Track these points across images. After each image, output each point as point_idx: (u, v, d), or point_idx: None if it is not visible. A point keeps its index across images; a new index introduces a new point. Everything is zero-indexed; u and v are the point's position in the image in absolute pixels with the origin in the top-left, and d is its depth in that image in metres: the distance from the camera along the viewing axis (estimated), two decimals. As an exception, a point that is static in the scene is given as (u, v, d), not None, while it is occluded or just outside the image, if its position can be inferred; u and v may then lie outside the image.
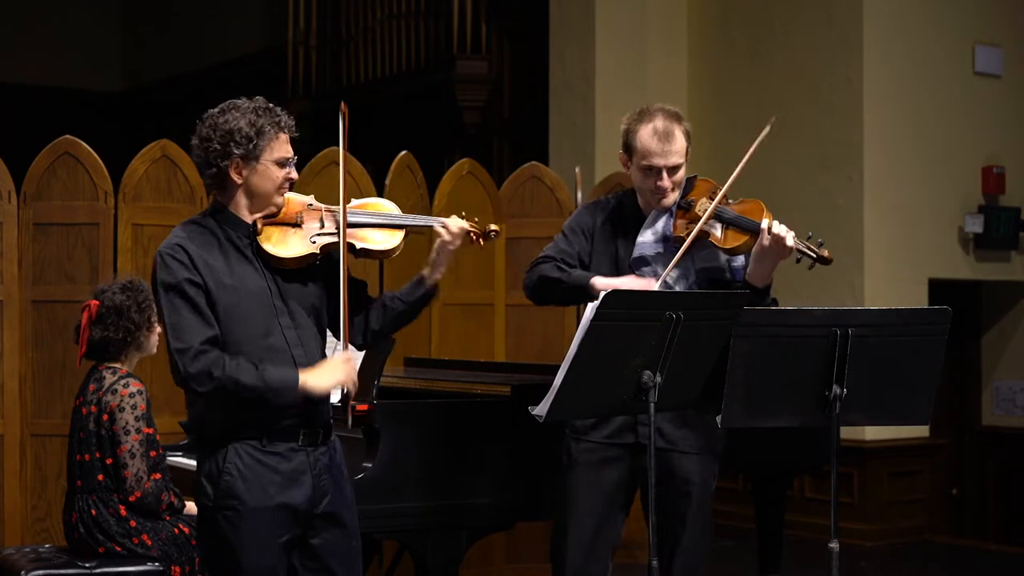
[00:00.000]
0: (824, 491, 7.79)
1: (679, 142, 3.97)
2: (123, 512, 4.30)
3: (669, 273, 3.85)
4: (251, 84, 12.45)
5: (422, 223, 3.63)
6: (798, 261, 3.92)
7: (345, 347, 3.40)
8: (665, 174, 3.95)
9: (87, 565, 4.28)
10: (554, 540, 4.05)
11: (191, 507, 4.44)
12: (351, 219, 3.48)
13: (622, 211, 4.09)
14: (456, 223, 3.59)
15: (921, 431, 8.01)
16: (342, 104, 3.58)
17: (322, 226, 3.46)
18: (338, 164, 3.55)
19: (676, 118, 4.01)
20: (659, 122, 3.96)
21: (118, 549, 4.28)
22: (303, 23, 11.44)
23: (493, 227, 3.67)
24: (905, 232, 8.05)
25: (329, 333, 3.57)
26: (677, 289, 3.89)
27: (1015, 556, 7.81)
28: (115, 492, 4.31)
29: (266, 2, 12.68)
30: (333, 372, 3.36)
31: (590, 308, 3.33)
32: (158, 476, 4.34)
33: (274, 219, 3.44)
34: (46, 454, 5.74)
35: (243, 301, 3.36)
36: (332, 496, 3.47)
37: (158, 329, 4.50)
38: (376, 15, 10.78)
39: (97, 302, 4.41)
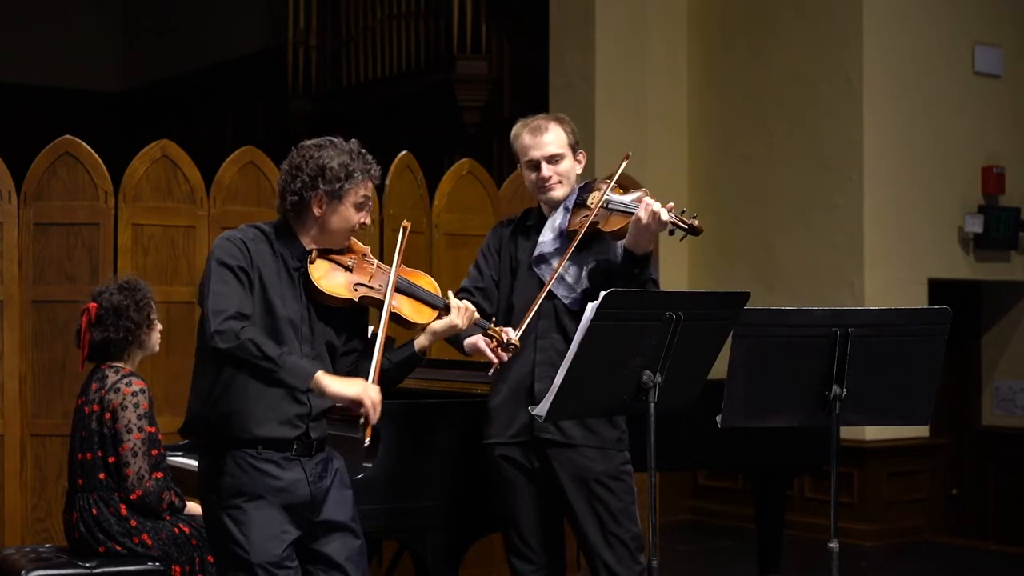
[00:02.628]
0: (824, 491, 7.79)
1: (553, 134, 4.06)
2: (124, 511, 4.30)
3: (564, 265, 3.96)
4: (251, 84, 12.51)
5: (447, 306, 3.72)
6: (671, 233, 3.94)
7: (374, 383, 3.48)
8: (544, 164, 4.05)
9: (87, 565, 4.27)
10: (505, 543, 4.16)
11: (192, 507, 4.44)
12: (399, 284, 3.64)
13: (527, 220, 4.21)
14: (467, 307, 3.69)
15: (921, 431, 8.01)
16: (405, 223, 3.73)
17: (369, 280, 3.61)
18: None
19: (556, 119, 4.14)
20: (533, 121, 4.11)
21: (118, 548, 4.28)
22: (303, 23, 11.43)
23: (514, 342, 3.79)
24: (905, 232, 8.05)
25: None
26: (568, 280, 4.00)
27: (1015, 556, 7.81)
28: (116, 491, 4.31)
29: (266, 2, 12.67)
30: (355, 386, 3.44)
31: (590, 308, 3.33)
32: (159, 475, 4.34)
33: (329, 255, 3.60)
34: (46, 454, 5.74)
35: (280, 317, 3.48)
36: (332, 502, 3.57)
37: (159, 327, 4.51)
38: (376, 15, 10.77)
39: (95, 304, 4.41)
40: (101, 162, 5.88)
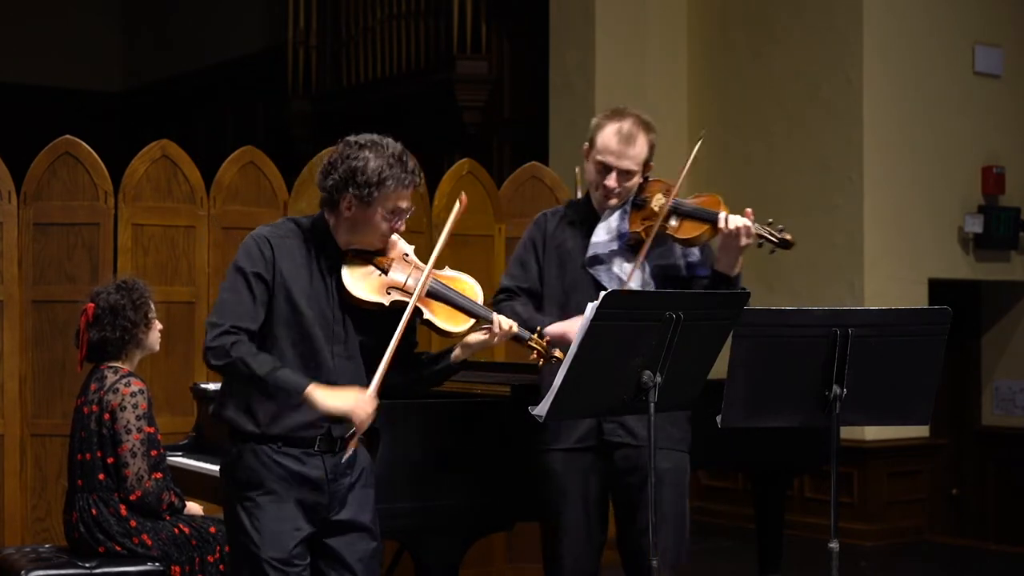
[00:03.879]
0: (824, 491, 7.78)
1: (638, 149, 3.95)
2: (123, 512, 4.30)
3: (626, 270, 3.87)
4: (251, 84, 12.51)
5: (485, 315, 3.59)
6: (760, 246, 3.92)
7: (374, 393, 3.40)
8: (614, 175, 3.94)
9: (87, 565, 4.27)
10: (545, 549, 4.07)
11: (192, 507, 4.44)
12: (433, 289, 3.52)
13: (575, 215, 4.09)
14: (510, 323, 3.57)
15: (921, 431, 8.00)
16: (462, 195, 3.60)
17: (405, 282, 3.49)
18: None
19: (646, 127, 4.00)
20: (627, 124, 3.97)
21: (118, 549, 4.28)
22: (303, 23, 11.43)
23: (557, 355, 3.58)
24: (905, 232, 8.05)
25: None
26: (632, 286, 3.88)
27: (1015, 556, 7.81)
28: (116, 491, 4.31)
29: (266, 2, 12.67)
30: (346, 400, 3.38)
31: (590, 308, 3.33)
32: (159, 475, 4.34)
33: (365, 255, 3.50)
34: (46, 454, 5.74)
35: (308, 318, 3.43)
36: (352, 501, 3.55)
37: (158, 326, 4.50)
38: (376, 15, 10.77)
39: (93, 304, 4.42)
40: (101, 162, 5.88)
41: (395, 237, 3.55)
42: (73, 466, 4.39)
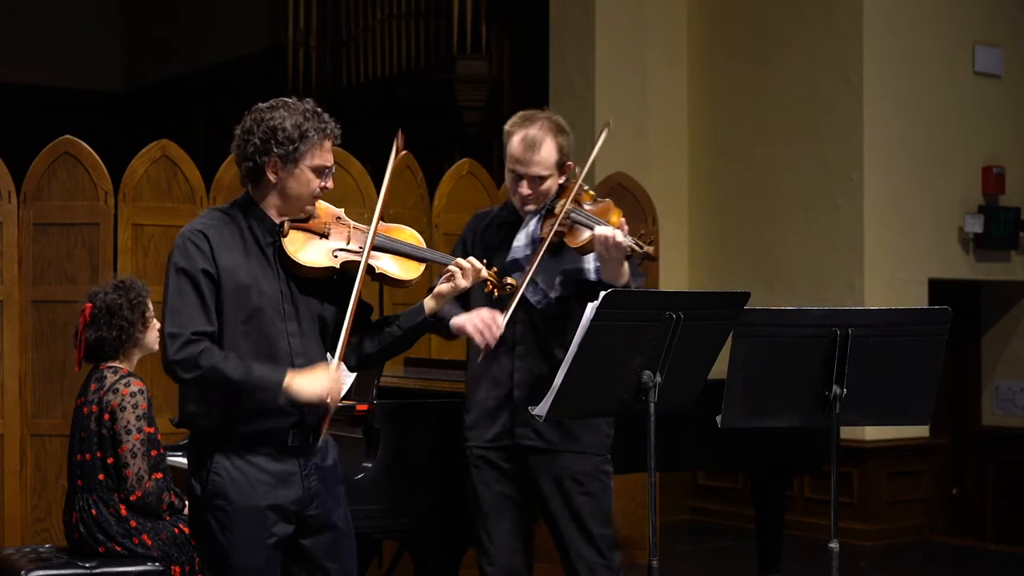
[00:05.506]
0: (824, 491, 7.79)
1: (544, 154, 3.94)
2: (123, 512, 4.30)
3: (535, 275, 3.89)
4: (251, 84, 12.49)
5: (441, 260, 3.59)
6: (628, 257, 3.87)
7: (338, 365, 3.36)
8: (525, 182, 3.95)
9: (87, 565, 4.27)
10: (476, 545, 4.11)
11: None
12: (378, 242, 3.47)
13: (504, 218, 4.12)
14: (472, 265, 3.55)
15: (921, 431, 8.00)
16: (399, 133, 3.59)
17: (347, 243, 3.44)
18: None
19: (554, 130, 3.98)
20: (532, 130, 3.95)
21: (118, 549, 4.28)
22: (303, 23, 11.43)
23: (509, 281, 3.66)
24: (905, 232, 8.05)
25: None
26: (541, 286, 3.94)
27: (1015, 556, 7.81)
28: (116, 491, 4.31)
29: (266, 2, 12.67)
30: (320, 382, 3.31)
31: (590, 308, 3.33)
32: (159, 476, 4.34)
33: (302, 224, 3.43)
34: (46, 454, 5.74)
35: (255, 300, 3.34)
36: (323, 497, 3.45)
37: (156, 325, 4.50)
38: (376, 15, 10.77)
39: (90, 305, 4.42)
40: (101, 162, 5.88)
41: (322, 203, 3.48)
42: (73, 466, 4.40)
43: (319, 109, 3.42)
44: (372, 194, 5.97)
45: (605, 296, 3.31)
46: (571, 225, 3.90)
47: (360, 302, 3.45)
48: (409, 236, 3.58)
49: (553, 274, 3.98)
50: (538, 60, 9.25)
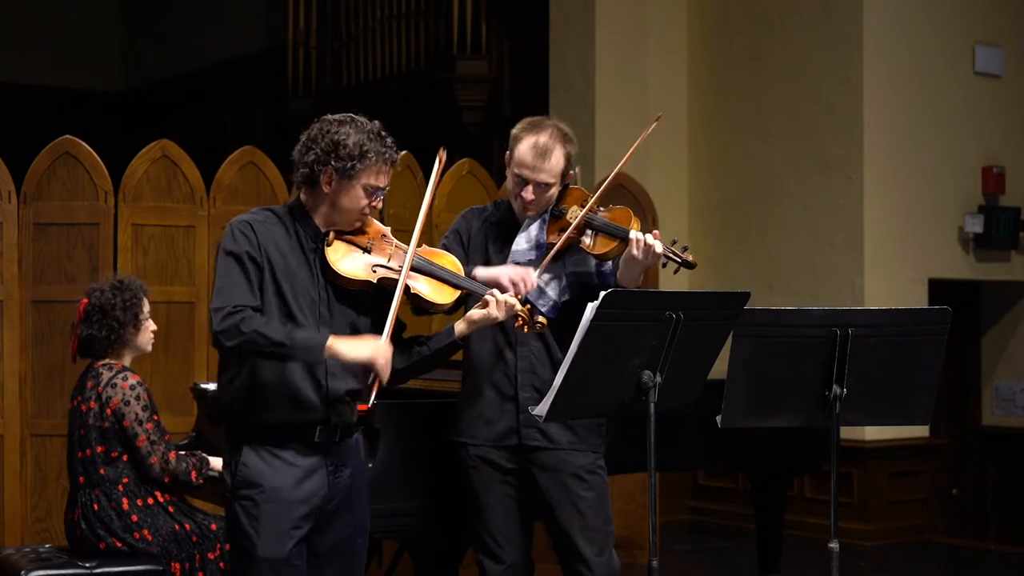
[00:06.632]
0: (824, 491, 7.79)
1: (554, 162, 3.95)
2: (125, 506, 4.32)
3: (541, 276, 3.91)
4: (251, 84, 12.51)
5: (478, 290, 3.66)
6: (664, 265, 3.96)
7: (387, 340, 3.43)
8: (531, 187, 3.96)
9: (87, 565, 4.28)
10: (474, 547, 4.11)
11: (216, 462, 4.43)
12: (417, 264, 3.57)
13: (499, 218, 4.13)
14: (507, 300, 3.62)
15: (921, 431, 8.00)
16: (441, 151, 3.67)
17: (388, 260, 3.54)
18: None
19: (563, 139, 3.99)
20: (543, 137, 3.96)
21: (119, 545, 4.29)
22: (303, 23, 11.43)
23: (540, 320, 3.68)
24: (905, 232, 8.05)
25: None
26: (549, 292, 3.95)
27: (1015, 556, 7.81)
28: (143, 483, 4.34)
29: (266, 2, 12.67)
30: (366, 347, 3.40)
31: (590, 308, 3.33)
32: (173, 455, 4.37)
33: (347, 236, 3.53)
34: (46, 454, 5.74)
35: (293, 298, 3.44)
36: (346, 495, 3.54)
37: (151, 327, 4.51)
38: (376, 15, 10.77)
39: (87, 300, 4.44)
40: (101, 162, 5.88)
41: (370, 220, 3.58)
42: (74, 464, 4.40)
43: (384, 133, 3.52)
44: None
45: (605, 296, 3.31)
46: (595, 233, 3.93)
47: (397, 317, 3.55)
48: (449, 262, 3.68)
49: (558, 276, 3.99)
50: (538, 60, 9.25)
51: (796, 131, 8.23)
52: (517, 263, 3.99)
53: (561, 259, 3.97)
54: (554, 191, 4.01)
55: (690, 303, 3.44)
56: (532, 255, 3.99)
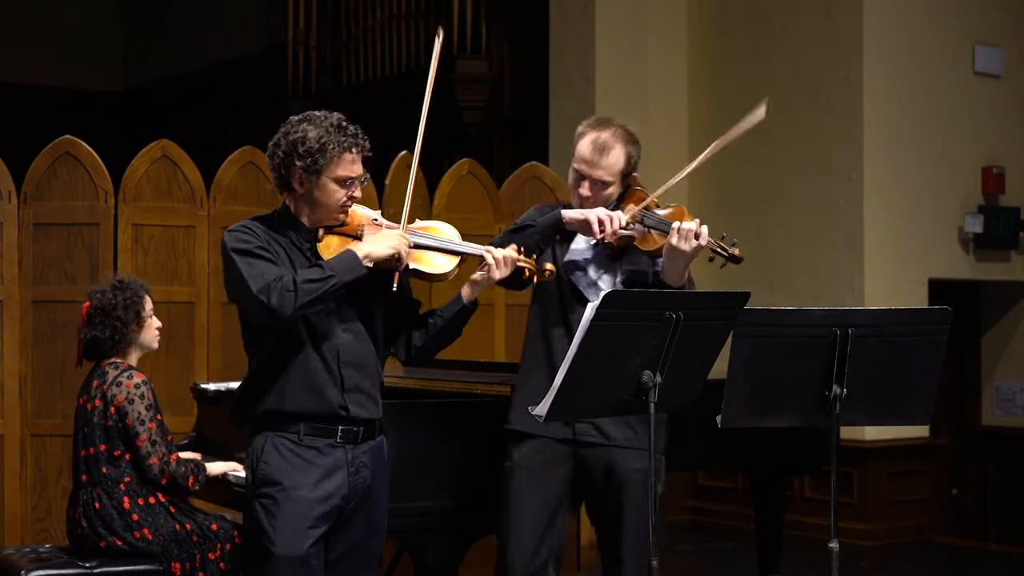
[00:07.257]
0: (824, 491, 7.79)
1: (612, 160, 3.95)
2: (126, 505, 4.31)
3: (596, 271, 3.93)
4: (251, 84, 12.51)
5: (475, 252, 3.68)
6: (711, 260, 3.97)
7: (403, 226, 3.52)
8: (587, 183, 3.95)
9: (87, 565, 4.28)
10: (500, 548, 4.06)
11: (212, 467, 4.43)
12: (411, 239, 3.57)
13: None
14: (505, 253, 3.65)
15: (921, 431, 8.00)
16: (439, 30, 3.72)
17: None
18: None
19: (626, 138, 3.98)
20: (605, 134, 3.95)
21: (119, 544, 4.29)
22: (303, 23, 11.44)
23: (548, 267, 3.72)
24: (905, 232, 8.05)
25: None
26: (601, 286, 3.94)
27: (1015, 556, 7.81)
28: (120, 483, 4.32)
29: (266, 2, 12.67)
30: (389, 239, 3.46)
31: (590, 308, 3.33)
32: (175, 457, 4.37)
33: (337, 229, 3.55)
34: (46, 454, 5.74)
35: None
36: (366, 496, 3.56)
37: (155, 324, 4.51)
38: (376, 15, 10.78)
39: (88, 303, 4.44)
40: (101, 162, 5.88)
41: (358, 207, 3.59)
42: (77, 463, 4.40)
43: (344, 123, 3.51)
44: (372, 192, 5.97)
45: (605, 296, 3.31)
46: (644, 231, 3.93)
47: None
48: (442, 232, 3.70)
49: (615, 274, 3.98)
50: (538, 60, 9.25)
51: (796, 131, 8.23)
52: (576, 260, 3.98)
53: (622, 256, 3.97)
54: (612, 190, 3.99)
55: (690, 303, 3.44)
56: (589, 253, 3.99)
